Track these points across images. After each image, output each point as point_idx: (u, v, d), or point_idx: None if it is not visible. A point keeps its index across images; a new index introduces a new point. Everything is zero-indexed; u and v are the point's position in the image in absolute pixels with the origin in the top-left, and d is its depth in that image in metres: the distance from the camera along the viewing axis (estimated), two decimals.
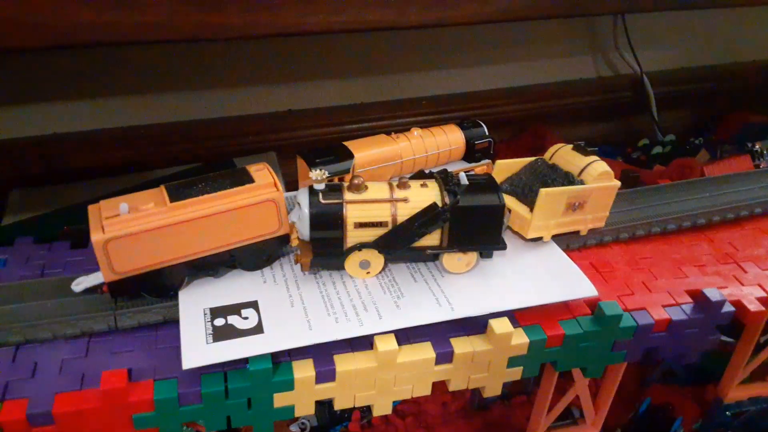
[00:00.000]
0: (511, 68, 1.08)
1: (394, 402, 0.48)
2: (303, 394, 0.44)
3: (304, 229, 0.46)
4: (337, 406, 0.46)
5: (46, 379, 0.41)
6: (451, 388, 0.48)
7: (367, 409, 0.73)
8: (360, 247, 0.47)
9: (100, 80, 0.82)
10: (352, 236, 0.47)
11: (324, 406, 0.69)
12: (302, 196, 0.46)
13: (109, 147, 0.86)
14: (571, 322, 0.48)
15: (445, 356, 0.46)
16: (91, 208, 0.44)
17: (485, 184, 0.48)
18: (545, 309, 0.48)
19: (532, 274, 0.50)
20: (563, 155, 0.54)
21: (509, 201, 0.53)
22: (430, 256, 0.49)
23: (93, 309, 0.45)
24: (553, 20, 1.04)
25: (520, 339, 0.47)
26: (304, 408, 0.45)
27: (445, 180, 0.48)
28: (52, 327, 0.43)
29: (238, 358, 0.41)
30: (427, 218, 0.46)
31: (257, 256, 0.48)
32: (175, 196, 0.44)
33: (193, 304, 0.45)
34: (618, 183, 0.53)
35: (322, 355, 0.44)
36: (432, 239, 0.48)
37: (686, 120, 1.23)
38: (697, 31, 1.15)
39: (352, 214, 0.46)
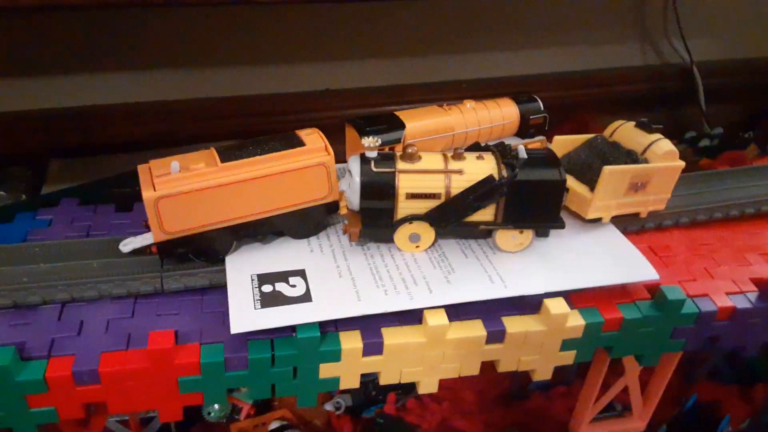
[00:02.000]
0: (555, 53, 1.05)
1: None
2: (349, 366, 0.43)
3: (354, 198, 0.45)
4: (383, 380, 0.45)
5: (92, 338, 0.40)
6: (500, 369, 0.47)
7: (402, 392, 0.71)
8: (411, 219, 0.45)
9: (140, 52, 0.82)
10: (404, 207, 0.45)
11: (361, 386, 0.67)
12: (353, 164, 0.45)
13: (148, 120, 0.86)
14: (630, 306, 0.46)
15: (496, 335, 0.44)
16: (141, 168, 0.43)
17: (545, 158, 0.45)
18: (602, 291, 0.46)
19: (589, 255, 0.47)
20: (625, 132, 0.52)
21: (567, 179, 0.50)
22: (484, 232, 0.47)
23: (139, 271, 0.44)
24: (602, 4, 1.01)
25: (575, 321, 0.45)
26: (350, 380, 0.44)
27: (503, 153, 0.46)
28: (99, 286, 0.43)
29: (285, 326, 0.40)
30: (482, 191, 0.44)
31: (305, 223, 0.47)
32: (226, 157, 0.43)
33: (241, 270, 0.44)
34: (682, 163, 0.50)
35: (370, 327, 0.43)
36: (486, 214, 0.46)
37: (735, 113, 1.19)
38: (750, 20, 1.10)
39: (405, 184, 0.44)
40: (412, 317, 0.44)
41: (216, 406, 0.65)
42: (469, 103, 0.55)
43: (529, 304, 0.45)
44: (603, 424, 0.60)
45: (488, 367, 0.47)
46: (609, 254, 0.47)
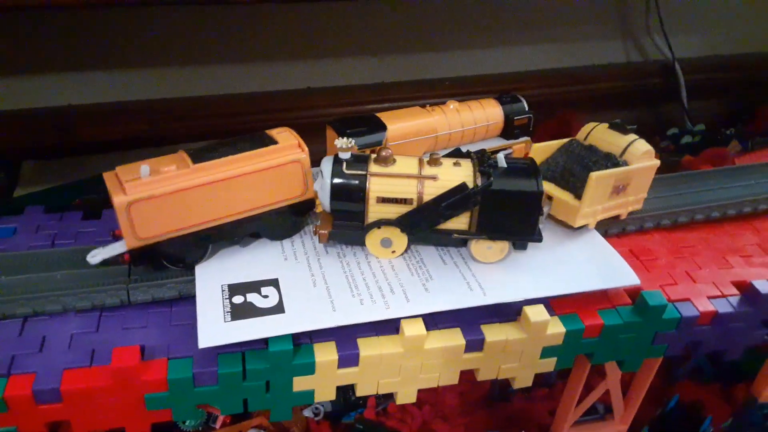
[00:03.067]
0: (537, 50, 1.04)
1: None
2: (324, 378, 0.41)
3: (325, 200, 0.44)
4: (360, 392, 0.44)
5: (55, 354, 0.39)
6: (480, 378, 0.46)
7: (382, 397, 0.70)
8: (381, 223, 0.44)
9: (117, 52, 0.80)
10: (374, 211, 0.44)
11: (340, 391, 0.66)
12: (326, 165, 0.44)
13: (125, 120, 0.84)
14: (611, 312, 0.45)
15: (475, 344, 0.43)
16: (107, 175, 0.41)
17: (524, 168, 0.44)
18: (583, 297, 0.45)
19: (569, 261, 0.47)
20: (600, 135, 0.51)
21: (548, 187, 0.49)
22: (458, 241, 0.46)
23: (105, 282, 0.43)
24: (584, 2, 1.00)
25: (556, 328, 0.44)
26: (325, 393, 0.42)
27: (481, 160, 0.45)
28: (62, 299, 0.41)
29: (257, 339, 0.39)
30: (454, 199, 0.43)
31: (281, 223, 0.46)
32: (197, 158, 0.41)
33: (211, 279, 0.43)
34: (658, 162, 0.50)
35: (345, 338, 0.42)
36: (460, 223, 0.45)
37: (717, 109, 1.19)
38: (732, 17, 1.10)
39: (376, 187, 0.43)
40: (389, 326, 0.43)
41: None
42: (452, 104, 0.54)
43: (509, 312, 0.44)
44: (585, 427, 0.59)
45: (469, 372, 0.46)
46: (590, 259, 0.47)
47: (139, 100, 0.84)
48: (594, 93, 1.08)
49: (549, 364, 0.46)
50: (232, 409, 0.41)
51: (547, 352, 0.45)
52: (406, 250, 0.46)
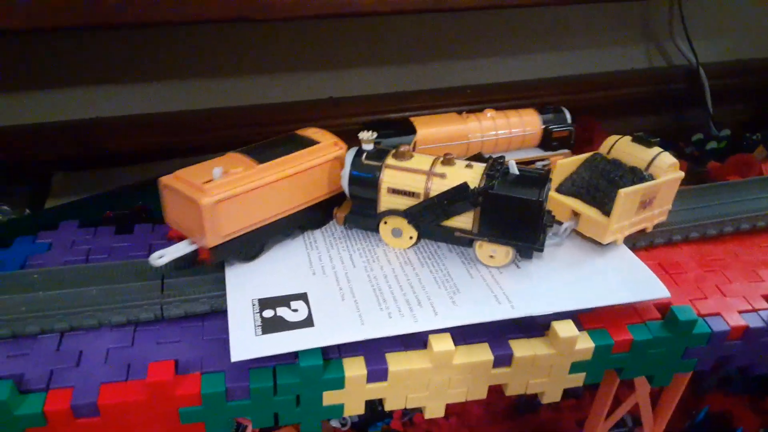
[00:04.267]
0: (561, 57, 1.03)
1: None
2: (353, 393, 0.42)
3: (345, 186, 0.48)
4: (388, 407, 0.44)
5: (91, 369, 0.39)
6: (508, 392, 0.46)
7: (409, 408, 0.70)
8: (390, 213, 0.47)
9: (142, 65, 0.81)
10: (386, 201, 0.47)
11: (367, 402, 0.67)
12: (349, 155, 0.48)
13: (151, 132, 0.85)
14: (640, 327, 0.45)
15: (503, 359, 0.43)
16: (167, 180, 0.44)
17: (533, 177, 0.45)
18: (611, 312, 0.45)
19: (597, 274, 0.46)
20: (623, 148, 0.50)
21: (574, 203, 0.49)
22: (462, 240, 0.48)
23: (139, 297, 0.43)
24: (606, 7, 1.00)
25: (585, 344, 0.44)
26: (354, 407, 0.43)
27: (493, 165, 0.46)
28: (98, 315, 0.42)
29: (287, 353, 0.39)
30: (454, 197, 0.45)
31: (320, 214, 0.50)
32: (258, 158, 0.45)
33: (242, 294, 0.43)
34: (682, 174, 0.49)
35: (374, 353, 0.42)
36: (464, 222, 0.47)
37: (743, 115, 1.17)
38: (755, 21, 1.09)
39: (388, 179, 0.46)
40: (417, 341, 0.43)
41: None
42: (489, 112, 0.54)
43: (537, 327, 0.44)
44: None
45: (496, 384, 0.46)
46: (618, 273, 0.46)
47: (164, 112, 0.85)
48: (617, 99, 1.07)
49: (578, 379, 0.46)
50: (264, 423, 0.42)
51: (576, 368, 0.45)
52: (416, 243, 0.49)
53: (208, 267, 0.47)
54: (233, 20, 0.56)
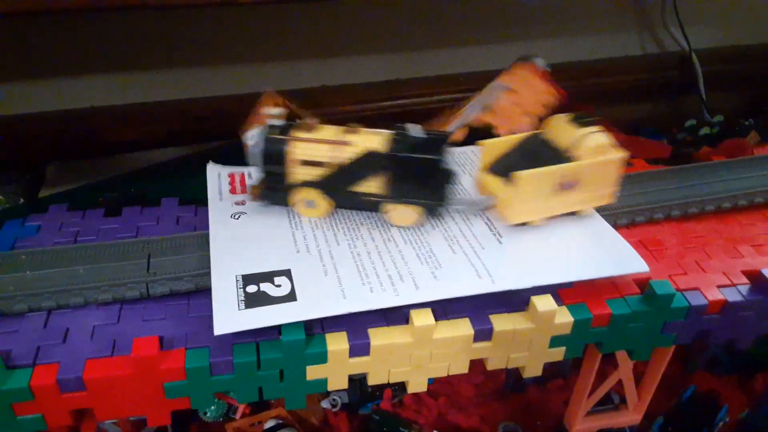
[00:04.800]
0: (553, 44, 1.04)
1: (429, 379, 0.47)
2: (336, 367, 0.43)
3: (258, 162, 0.49)
4: (371, 381, 0.45)
5: (78, 345, 0.40)
6: (489, 367, 0.46)
7: (398, 388, 0.71)
8: (300, 185, 0.49)
9: (134, 54, 0.82)
10: (296, 173, 0.48)
11: (356, 383, 0.68)
12: (259, 131, 0.49)
13: (145, 121, 0.86)
14: (619, 302, 0.46)
15: (483, 333, 0.44)
16: None
17: (434, 139, 0.47)
18: (590, 286, 0.46)
19: (578, 248, 0.47)
20: (559, 127, 0.50)
21: (493, 183, 0.50)
22: (373, 204, 0.49)
23: (125, 276, 0.44)
24: None
25: (563, 318, 0.44)
26: (338, 382, 0.44)
27: (397, 130, 0.48)
28: (84, 293, 0.43)
29: (270, 326, 0.40)
30: (362, 163, 0.47)
31: None
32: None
33: (226, 271, 0.44)
34: (622, 155, 0.47)
35: (357, 328, 0.43)
36: (375, 187, 0.48)
37: (736, 100, 1.18)
38: (749, 7, 1.09)
39: (295, 150, 0.48)
40: (399, 317, 0.44)
41: (212, 405, 0.65)
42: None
43: (517, 302, 0.45)
44: (598, 417, 0.60)
45: (481, 363, 0.47)
46: (598, 247, 0.47)
47: (158, 101, 0.86)
48: (610, 86, 1.07)
49: (558, 354, 0.47)
50: (248, 398, 0.42)
51: (555, 342, 0.46)
52: (332, 212, 0.51)
53: (193, 247, 0.47)
54: (220, 4, 0.56)
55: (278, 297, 0.42)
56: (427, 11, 0.92)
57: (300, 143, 0.48)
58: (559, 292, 0.46)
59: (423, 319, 0.42)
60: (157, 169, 0.82)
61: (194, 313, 0.43)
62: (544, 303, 0.44)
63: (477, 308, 0.45)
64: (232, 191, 0.54)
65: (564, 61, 1.04)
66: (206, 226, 0.49)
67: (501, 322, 0.44)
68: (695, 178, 0.57)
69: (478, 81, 0.98)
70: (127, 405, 0.40)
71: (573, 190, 0.48)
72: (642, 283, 0.47)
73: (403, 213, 0.49)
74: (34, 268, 0.44)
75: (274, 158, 0.48)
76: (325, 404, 0.69)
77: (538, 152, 0.50)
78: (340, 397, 0.69)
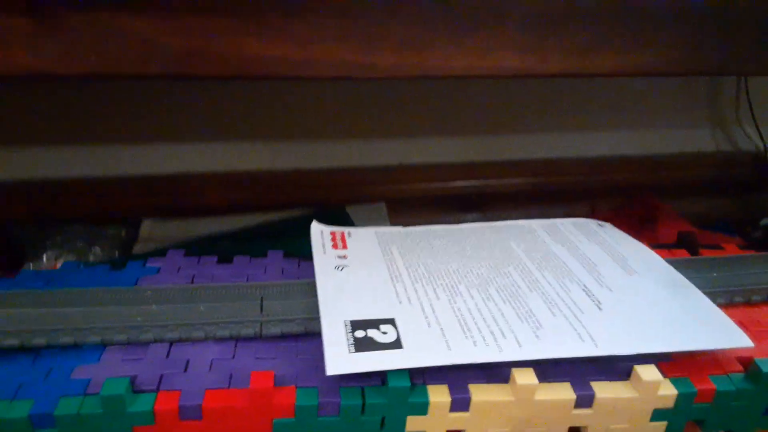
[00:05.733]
0: (625, 135, 1.07)
1: None
2: (436, 421, 0.43)
3: None
4: None
5: (197, 376, 0.42)
6: None
7: None
8: None
9: (227, 122, 0.89)
10: None
11: None
12: None
13: (237, 188, 0.92)
14: (723, 378, 0.45)
15: (584, 399, 0.44)
16: None
17: None
18: (691, 361, 0.46)
19: (679, 320, 0.47)
20: None
21: None
22: None
23: (241, 315, 0.47)
24: (672, 89, 1.03)
25: (667, 390, 0.44)
26: None
27: None
28: (205, 328, 0.45)
29: (376, 372, 0.42)
30: None
31: None
32: None
33: (335, 317, 0.46)
34: None
35: (458, 383, 0.44)
36: None
37: None
38: None
39: None
40: (499, 377, 0.44)
41: None
42: None
43: (617, 371, 0.45)
44: None
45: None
46: (700, 320, 0.47)
47: (247, 170, 0.92)
48: (681, 181, 1.08)
49: (659, 428, 0.46)
50: None
51: (657, 415, 0.45)
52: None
53: (301, 294, 0.50)
54: (335, 78, 0.60)
55: (385, 343, 0.43)
56: (502, 96, 0.97)
57: None
58: (660, 365, 0.46)
59: (526, 378, 0.43)
60: (248, 231, 0.86)
61: (303, 355, 0.45)
62: (648, 372, 0.44)
63: (576, 374, 0.45)
64: (334, 246, 0.57)
65: (635, 154, 1.07)
66: (310, 276, 0.52)
67: (603, 390, 0.44)
68: None
69: (550, 167, 1.02)
70: None
71: None
72: (745, 361, 0.46)
73: None
74: (158, 302, 0.48)
75: None
76: None
77: None
78: None
